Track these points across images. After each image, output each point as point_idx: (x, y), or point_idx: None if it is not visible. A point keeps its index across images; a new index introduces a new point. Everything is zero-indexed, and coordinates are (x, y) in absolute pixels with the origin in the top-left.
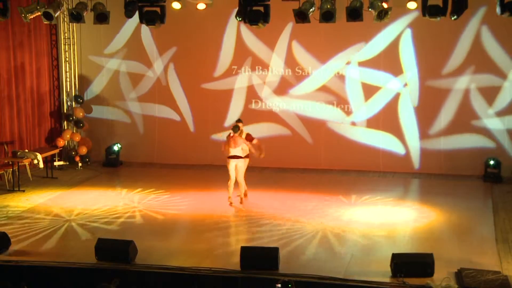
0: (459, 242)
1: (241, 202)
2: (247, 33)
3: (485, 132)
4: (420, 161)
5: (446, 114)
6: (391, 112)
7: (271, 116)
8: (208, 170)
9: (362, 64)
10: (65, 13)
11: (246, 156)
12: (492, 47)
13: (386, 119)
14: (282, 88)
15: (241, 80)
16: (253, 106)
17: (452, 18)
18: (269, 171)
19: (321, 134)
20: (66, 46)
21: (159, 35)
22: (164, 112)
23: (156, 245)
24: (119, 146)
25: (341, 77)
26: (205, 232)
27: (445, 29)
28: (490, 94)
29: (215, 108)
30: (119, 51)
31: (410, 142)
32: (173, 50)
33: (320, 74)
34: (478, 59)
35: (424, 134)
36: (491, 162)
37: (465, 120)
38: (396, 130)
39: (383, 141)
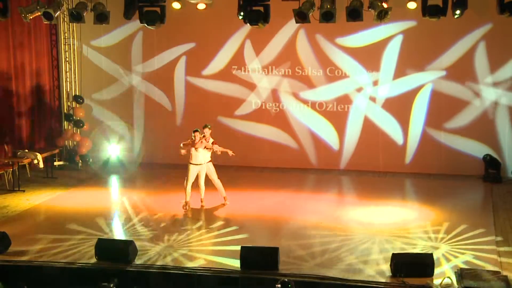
0: (459, 242)
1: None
2: (254, 32)
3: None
4: (420, 160)
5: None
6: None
7: (271, 117)
8: None
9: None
10: (65, 13)
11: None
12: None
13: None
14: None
15: (242, 80)
16: (253, 106)
17: (455, 17)
18: (268, 171)
19: (322, 130)
20: (66, 46)
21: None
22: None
23: (157, 245)
24: (118, 146)
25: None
26: (205, 232)
27: (445, 30)
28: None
29: (213, 108)
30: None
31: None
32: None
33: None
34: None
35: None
36: (488, 159)
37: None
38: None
39: (384, 122)
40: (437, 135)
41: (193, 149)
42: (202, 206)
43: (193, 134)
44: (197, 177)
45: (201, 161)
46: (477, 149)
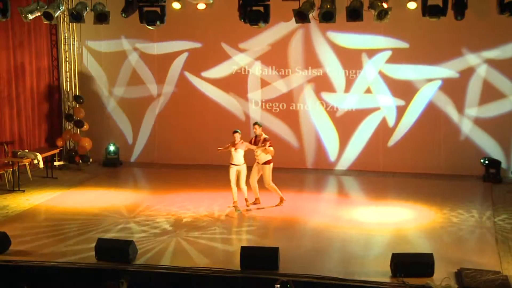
0: (459, 242)
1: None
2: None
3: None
4: (419, 160)
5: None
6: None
7: (271, 116)
8: (208, 170)
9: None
10: (65, 13)
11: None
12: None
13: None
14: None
15: (240, 80)
16: (253, 106)
17: (458, 19)
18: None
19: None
20: (66, 46)
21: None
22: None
23: (156, 245)
24: (118, 146)
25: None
26: (205, 232)
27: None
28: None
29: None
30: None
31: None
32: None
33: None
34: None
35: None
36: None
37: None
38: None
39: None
40: (437, 132)
41: (233, 149)
42: (247, 205)
43: (233, 135)
44: (238, 179)
45: (240, 162)
46: (477, 149)
